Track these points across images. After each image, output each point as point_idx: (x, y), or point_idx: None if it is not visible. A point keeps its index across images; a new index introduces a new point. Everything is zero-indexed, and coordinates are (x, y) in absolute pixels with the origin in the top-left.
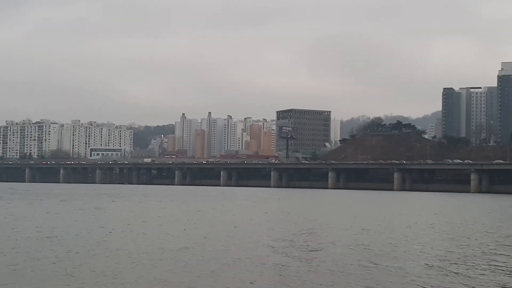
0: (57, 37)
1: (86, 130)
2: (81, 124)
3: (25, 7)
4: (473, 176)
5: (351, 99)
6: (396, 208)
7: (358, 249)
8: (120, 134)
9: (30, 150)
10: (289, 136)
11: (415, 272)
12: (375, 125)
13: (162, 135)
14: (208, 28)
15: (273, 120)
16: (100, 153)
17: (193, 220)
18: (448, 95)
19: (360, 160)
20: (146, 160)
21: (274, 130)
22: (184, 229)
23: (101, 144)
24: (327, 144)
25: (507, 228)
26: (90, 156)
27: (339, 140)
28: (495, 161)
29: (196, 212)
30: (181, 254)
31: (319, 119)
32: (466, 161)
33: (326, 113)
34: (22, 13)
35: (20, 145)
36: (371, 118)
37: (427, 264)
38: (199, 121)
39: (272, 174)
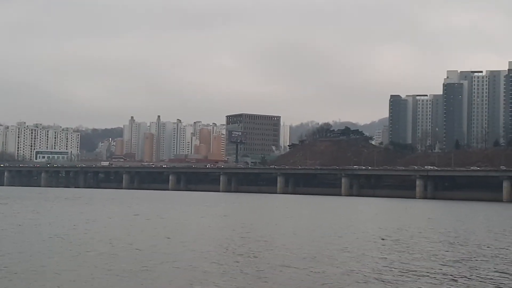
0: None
1: (32, 133)
2: (27, 126)
3: None
4: (418, 182)
5: (300, 105)
6: (337, 213)
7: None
8: (67, 136)
9: None
10: (238, 141)
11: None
12: (324, 130)
13: (110, 138)
14: (156, 31)
15: (223, 125)
16: (46, 155)
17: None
18: (395, 102)
19: (309, 165)
20: (103, 163)
21: (223, 134)
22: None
23: (47, 147)
24: (274, 148)
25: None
26: (36, 159)
27: (288, 145)
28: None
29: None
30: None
31: (269, 124)
32: (411, 167)
33: (275, 118)
34: None
35: None
36: (320, 123)
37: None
38: (148, 124)
39: (221, 178)
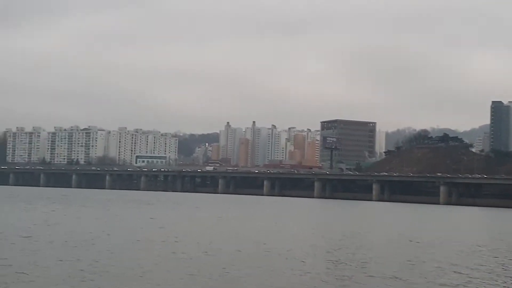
0: (97, 46)
1: (132, 137)
2: (128, 131)
3: (63, 16)
4: None
5: (396, 111)
6: (443, 223)
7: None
8: (166, 141)
9: (77, 156)
10: (333, 147)
11: None
12: (421, 137)
13: (207, 144)
14: (246, 37)
15: (317, 131)
16: (146, 160)
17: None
18: (497, 108)
19: (405, 172)
20: (208, 168)
21: (318, 140)
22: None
23: (146, 152)
24: (367, 154)
25: None
26: (136, 163)
27: (384, 152)
28: None
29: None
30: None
31: (364, 130)
32: None
33: (371, 124)
34: (60, 21)
35: (67, 151)
36: (417, 130)
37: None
38: (244, 130)
39: (315, 184)
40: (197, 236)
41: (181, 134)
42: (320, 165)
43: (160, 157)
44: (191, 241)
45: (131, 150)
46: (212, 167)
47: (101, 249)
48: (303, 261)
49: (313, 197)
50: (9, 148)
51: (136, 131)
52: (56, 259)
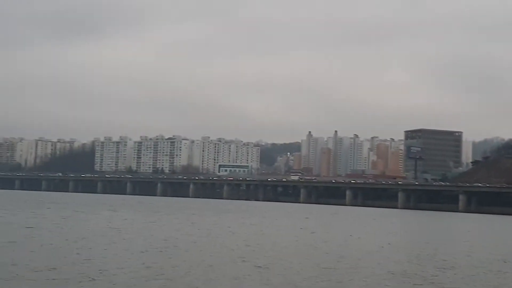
0: (180, 56)
1: (215, 147)
2: (211, 140)
3: (146, 27)
4: None
5: (483, 120)
6: None
7: None
8: (248, 151)
9: (162, 165)
10: (417, 157)
11: None
12: (510, 146)
13: (288, 153)
14: (328, 47)
15: (401, 140)
16: (228, 169)
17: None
18: None
19: (493, 183)
20: (293, 177)
21: (401, 150)
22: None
23: (229, 161)
24: (451, 164)
25: None
26: (219, 172)
27: (471, 162)
28: None
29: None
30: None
31: (450, 140)
32: None
33: (457, 133)
34: (143, 32)
35: (153, 160)
36: (505, 139)
37: None
38: (325, 139)
39: (399, 195)
40: (276, 248)
41: (263, 144)
42: (404, 175)
43: (242, 166)
44: (275, 251)
45: (214, 159)
46: (298, 176)
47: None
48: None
49: (397, 208)
50: (97, 157)
51: (219, 140)
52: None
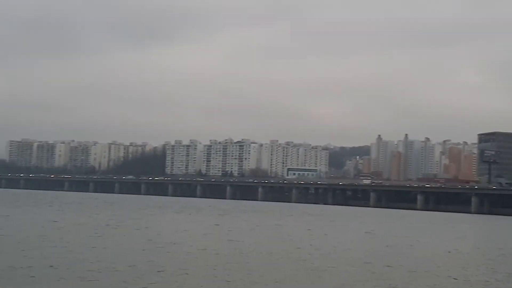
0: (248, 60)
1: (284, 150)
2: (279, 144)
3: (215, 31)
4: None
5: None
6: None
7: None
8: (316, 154)
9: (231, 168)
10: (491, 160)
11: None
12: None
13: (357, 157)
14: (395, 49)
15: (474, 143)
16: (297, 172)
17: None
18: None
19: None
20: (365, 181)
21: (475, 153)
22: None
23: (297, 164)
24: None
25: None
26: (287, 175)
27: None
28: None
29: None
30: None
31: None
32: None
33: None
34: (212, 37)
35: (222, 163)
36: None
37: None
38: (395, 143)
39: (472, 199)
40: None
41: (332, 147)
42: (478, 179)
43: (311, 170)
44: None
45: (283, 163)
46: (370, 180)
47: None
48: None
49: (470, 213)
50: (168, 160)
51: (288, 143)
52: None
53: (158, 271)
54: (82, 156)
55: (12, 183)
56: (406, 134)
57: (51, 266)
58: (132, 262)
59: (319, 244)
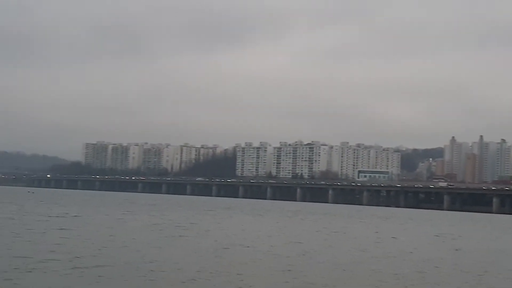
0: (319, 62)
1: (354, 152)
2: (349, 146)
3: (286, 34)
4: None
5: None
6: None
7: None
8: (387, 156)
9: (301, 170)
10: None
11: None
12: None
13: (430, 159)
14: (471, 49)
15: None
16: (368, 175)
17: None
18: None
19: None
20: (441, 183)
21: None
22: None
23: (368, 166)
24: None
25: None
26: (358, 177)
27: None
28: None
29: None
30: None
31: None
32: None
33: None
34: (283, 39)
35: (292, 165)
36: None
37: None
38: (470, 144)
39: None
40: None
41: (404, 149)
42: None
43: (382, 172)
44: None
45: (353, 165)
46: (446, 183)
47: None
48: None
49: None
50: (239, 162)
51: (358, 146)
52: None
53: (218, 272)
54: (155, 158)
55: (88, 185)
56: (481, 136)
57: (116, 264)
58: (198, 263)
59: (383, 246)
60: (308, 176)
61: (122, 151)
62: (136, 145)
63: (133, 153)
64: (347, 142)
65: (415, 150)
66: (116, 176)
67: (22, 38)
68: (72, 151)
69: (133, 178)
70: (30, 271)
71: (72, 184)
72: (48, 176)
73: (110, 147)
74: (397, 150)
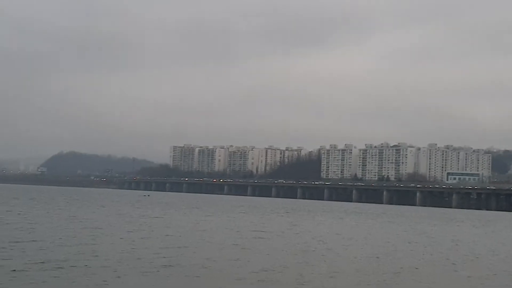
0: (402, 62)
1: (443, 154)
2: (438, 147)
3: (367, 36)
4: None
5: None
6: None
7: None
8: (478, 158)
9: (388, 172)
10: None
11: None
12: None
13: None
14: None
15: None
16: (457, 177)
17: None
18: None
19: None
20: None
21: None
22: None
23: (457, 168)
24: None
25: None
26: (447, 180)
27: None
28: None
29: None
30: None
31: None
32: None
33: None
34: (366, 40)
35: (378, 168)
36: None
37: None
38: None
39: None
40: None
41: (495, 150)
42: None
43: (472, 174)
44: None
45: (442, 167)
46: None
47: None
48: None
49: None
50: (323, 164)
51: (447, 147)
52: None
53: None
54: (240, 160)
55: (176, 187)
56: None
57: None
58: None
59: (461, 250)
60: (395, 178)
61: (208, 153)
62: (222, 147)
63: (219, 156)
64: (435, 144)
65: (506, 151)
66: (204, 179)
67: (108, 42)
68: (160, 154)
69: (221, 180)
70: None
71: (160, 186)
72: (135, 178)
73: (196, 149)
74: (488, 152)
